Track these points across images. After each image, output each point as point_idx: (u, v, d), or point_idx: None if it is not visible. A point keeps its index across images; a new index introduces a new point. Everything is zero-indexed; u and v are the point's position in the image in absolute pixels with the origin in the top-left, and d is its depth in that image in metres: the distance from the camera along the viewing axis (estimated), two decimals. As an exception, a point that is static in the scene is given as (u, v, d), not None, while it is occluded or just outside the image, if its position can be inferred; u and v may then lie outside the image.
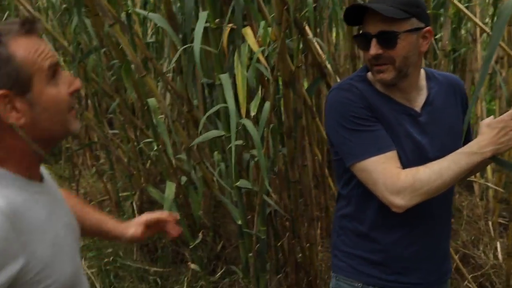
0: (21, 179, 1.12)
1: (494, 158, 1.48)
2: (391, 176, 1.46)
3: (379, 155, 1.48)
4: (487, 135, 1.44)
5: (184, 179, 3.01)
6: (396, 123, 1.55)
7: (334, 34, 3.81)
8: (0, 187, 1.07)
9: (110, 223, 1.53)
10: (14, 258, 1.02)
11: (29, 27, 1.10)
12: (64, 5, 3.43)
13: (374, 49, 1.50)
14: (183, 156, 3.24)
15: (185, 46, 2.04)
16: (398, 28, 1.49)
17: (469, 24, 3.32)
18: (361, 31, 1.55)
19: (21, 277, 1.04)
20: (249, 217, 2.67)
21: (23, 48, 1.08)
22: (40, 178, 1.19)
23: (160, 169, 3.48)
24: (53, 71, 1.11)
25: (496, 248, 3.25)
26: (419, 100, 1.60)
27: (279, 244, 2.93)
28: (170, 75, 3.05)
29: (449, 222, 1.72)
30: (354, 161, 1.52)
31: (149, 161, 3.63)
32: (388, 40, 1.49)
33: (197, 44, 1.77)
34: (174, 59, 1.99)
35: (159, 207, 3.48)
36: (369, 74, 1.61)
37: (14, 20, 1.11)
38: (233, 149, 1.83)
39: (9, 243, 1.01)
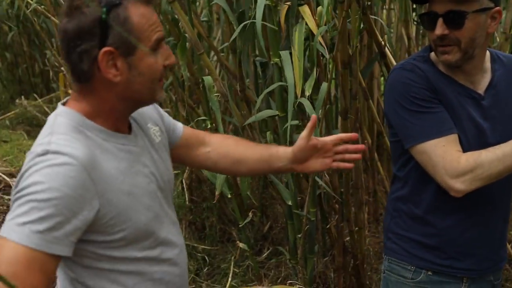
0: (106, 131, 1.22)
1: None
2: (451, 159, 1.43)
3: (440, 138, 1.45)
4: None
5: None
6: (458, 106, 1.51)
7: (384, 15, 3.73)
8: (84, 138, 1.17)
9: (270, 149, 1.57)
10: (90, 204, 1.13)
11: None
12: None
13: (440, 29, 1.45)
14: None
15: (244, 23, 2.01)
16: (467, 8, 1.43)
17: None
18: (427, 10, 1.51)
19: (97, 220, 1.15)
20: (298, 198, 2.67)
21: (139, 15, 1.16)
22: (128, 131, 1.28)
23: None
24: (157, 44, 1.19)
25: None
26: (483, 83, 1.56)
27: (327, 226, 2.92)
28: (223, 54, 3.04)
29: (509, 208, 1.67)
30: (414, 143, 1.49)
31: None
32: (455, 20, 1.44)
33: (258, 20, 1.74)
34: (234, 36, 1.97)
35: (208, 185, 3.51)
36: (432, 55, 1.57)
37: None
38: (288, 128, 1.80)
39: (86, 191, 1.12)
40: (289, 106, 1.82)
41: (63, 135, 1.15)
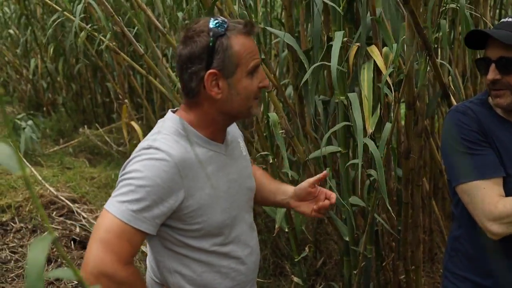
0: (203, 138, 1.45)
1: None
2: (489, 202, 1.48)
3: (482, 180, 1.50)
4: None
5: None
6: (509, 142, 1.55)
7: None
8: (183, 141, 1.40)
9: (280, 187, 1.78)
10: (176, 195, 1.36)
11: (249, 29, 1.40)
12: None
13: (492, 74, 1.52)
14: (287, 170, 3.31)
15: (316, 64, 2.10)
16: None
17: None
18: (483, 56, 1.58)
19: (180, 210, 1.38)
20: (354, 235, 2.68)
21: (240, 45, 1.38)
22: (222, 141, 1.51)
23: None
24: (254, 69, 1.41)
25: None
26: None
27: (383, 264, 2.91)
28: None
29: None
30: (458, 183, 1.56)
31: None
32: (506, 66, 1.50)
33: (334, 62, 1.83)
34: (305, 77, 2.05)
35: (263, 218, 3.56)
36: (490, 98, 1.62)
37: (240, 20, 1.42)
38: (359, 167, 1.85)
39: (174, 184, 1.35)
40: (359, 148, 1.88)
41: (166, 135, 1.39)
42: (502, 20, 1.58)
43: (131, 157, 1.39)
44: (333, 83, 1.90)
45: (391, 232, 2.66)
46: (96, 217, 3.67)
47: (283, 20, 2.96)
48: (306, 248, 2.75)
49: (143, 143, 1.39)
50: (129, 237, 1.30)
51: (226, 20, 1.39)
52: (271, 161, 2.54)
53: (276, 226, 2.62)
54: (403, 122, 2.46)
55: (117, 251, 1.28)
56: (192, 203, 1.39)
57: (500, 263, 1.59)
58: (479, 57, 1.58)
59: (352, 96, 1.97)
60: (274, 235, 2.71)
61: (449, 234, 1.78)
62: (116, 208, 1.31)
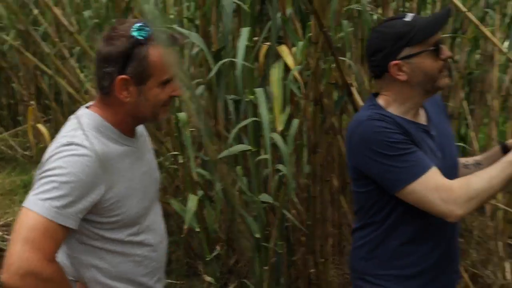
0: (118, 133, 1.49)
1: None
2: (444, 189, 1.52)
3: (426, 173, 1.53)
4: None
5: (200, 193, 3.07)
6: (421, 141, 1.63)
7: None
8: (102, 137, 1.45)
9: None
10: (98, 189, 1.40)
11: (172, 42, 1.44)
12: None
13: (448, 51, 1.61)
14: (201, 170, 3.31)
15: (222, 61, 2.11)
16: None
17: (489, 48, 3.40)
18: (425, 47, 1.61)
19: (100, 203, 1.42)
20: (265, 232, 2.73)
21: (157, 56, 1.42)
22: (133, 135, 1.55)
23: (177, 183, 3.52)
24: (167, 81, 1.46)
25: (504, 268, 3.31)
26: (423, 116, 1.71)
27: (293, 258, 2.98)
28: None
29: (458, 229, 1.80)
30: (403, 186, 1.55)
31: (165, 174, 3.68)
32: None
33: (240, 60, 1.84)
34: (210, 74, 2.07)
35: (176, 220, 3.53)
36: (380, 101, 1.68)
37: (169, 32, 1.50)
38: (269, 162, 1.89)
39: (96, 178, 1.40)
40: (266, 141, 1.91)
41: (86, 131, 1.42)
42: (410, 18, 1.62)
43: (50, 154, 1.40)
44: (237, 81, 1.91)
45: (300, 227, 2.73)
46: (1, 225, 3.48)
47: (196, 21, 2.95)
48: (217, 247, 2.76)
49: (62, 140, 1.42)
50: (53, 234, 1.33)
51: (149, 28, 1.42)
52: (181, 161, 2.53)
53: (185, 227, 2.61)
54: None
55: (42, 249, 1.30)
56: (112, 195, 1.44)
57: (422, 249, 1.67)
58: (438, 44, 1.61)
59: (259, 91, 2.01)
60: (183, 235, 2.70)
61: (357, 240, 1.78)
62: (39, 206, 1.32)
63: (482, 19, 3.42)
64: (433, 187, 1.52)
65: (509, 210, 3.35)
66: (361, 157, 1.62)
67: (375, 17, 2.52)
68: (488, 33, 2.23)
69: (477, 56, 3.65)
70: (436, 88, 1.64)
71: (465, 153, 3.56)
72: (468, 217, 3.76)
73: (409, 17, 1.62)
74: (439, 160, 1.65)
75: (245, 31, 1.95)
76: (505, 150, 1.76)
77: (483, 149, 3.52)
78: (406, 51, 1.59)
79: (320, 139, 2.41)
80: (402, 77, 1.61)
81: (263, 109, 1.95)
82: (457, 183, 1.53)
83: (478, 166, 1.82)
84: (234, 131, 2.10)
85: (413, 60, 1.59)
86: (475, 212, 3.87)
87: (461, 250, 3.51)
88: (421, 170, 1.54)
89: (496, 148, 1.82)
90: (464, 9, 2.15)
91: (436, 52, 1.59)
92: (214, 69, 2.06)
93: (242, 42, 1.89)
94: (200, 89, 2.85)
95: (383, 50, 1.61)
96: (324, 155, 2.50)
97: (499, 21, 3.23)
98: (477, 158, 1.86)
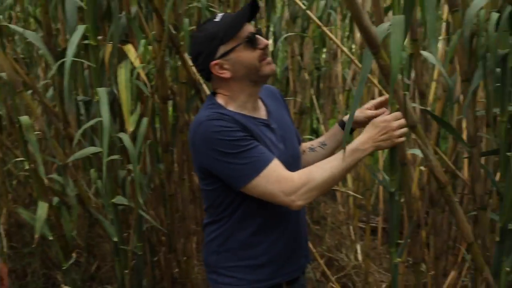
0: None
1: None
2: (285, 181, 1.59)
3: (267, 167, 1.59)
4: (368, 133, 1.63)
5: (56, 199, 2.94)
6: (262, 135, 1.69)
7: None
8: None
9: None
10: None
11: None
12: None
13: (264, 40, 1.67)
14: (55, 176, 3.16)
15: (60, 61, 2.03)
16: None
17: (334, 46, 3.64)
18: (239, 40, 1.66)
19: None
20: (125, 234, 2.68)
21: None
22: None
23: (30, 191, 3.34)
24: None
25: (356, 250, 3.58)
26: (263, 111, 1.78)
27: (155, 259, 2.97)
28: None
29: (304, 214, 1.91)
30: (248, 181, 1.60)
31: (16, 182, 3.48)
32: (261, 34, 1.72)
33: (69, 58, 1.79)
34: (50, 74, 1.99)
35: (29, 230, 3.34)
36: (219, 99, 1.73)
37: None
38: (104, 164, 1.85)
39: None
40: (104, 142, 1.88)
41: None
42: (220, 18, 1.68)
43: None
44: (65, 81, 1.85)
45: (159, 227, 2.71)
46: None
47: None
48: (73, 254, 2.66)
49: None
50: None
51: None
52: (27, 167, 2.39)
53: (36, 236, 2.48)
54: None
55: None
56: None
57: (270, 238, 1.74)
58: (251, 35, 1.66)
59: (101, 91, 1.97)
60: (34, 245, 2.56)
61: (208, 235, 1.82)
62: None
63: (324, 19, 3.67)
64: (275, 180, 1.59)
65: (358, 196, 3.62)
66: (205, 157, 1.65)
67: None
68: (328, 32, 2.38)
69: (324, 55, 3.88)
70: (262, 76, 1.70)
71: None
72: (323, 205, 4.01)
73: (218, 17, 1.68)
74: (281, 151, 1.73)
75: (80, 29, 1.89)
76: (342, 126, 1.91)
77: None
78: (221, 50, 1.65)
79: (173, 137, 2.41)
80: (226, 74, 1.68)
81: (103, 110, 1.91)
82: (297, 174, 1.61)
83: (324, 146, 1.93)
84: (79, 131, 2.04)
85: (230, 56, 1.65)
86: (328, 200, 4.14)
87: (317, 236, 3.75)
88: (263, 164, 1.60)
89: (336, 126, 1.94)
90: (303, 6, 2.27)
91: (250, 43, 1.66)
92: (53, 69, 1.98)
93: (74, 40, 1.83)
94: (50, 91, 2.73)
95: (202, 53, 1.67)
96: (179, 153, 2.51)
97: (339, 21, 3.48)
98: (321, 139, 1.97)
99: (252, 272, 1.77)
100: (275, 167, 1.61)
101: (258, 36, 1.68)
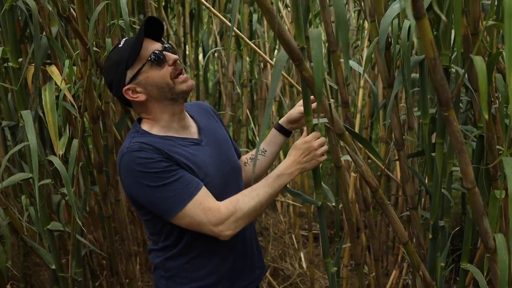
0: None
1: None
2: (212, 211, 1.57)
3: (193, 198, 1.57)
4: (292, 156, 1.64)
5: (-14, 230, 2.82)
6: (192, 157, 1.66)
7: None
8: None
9: None
10: None
11: None
12: None
13: (172, 56, 1.65)
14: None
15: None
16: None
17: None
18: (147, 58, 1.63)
19: None
20: (64, 260, 2.60)
21: None
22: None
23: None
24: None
25: (300, 258, 3.61)
26: (193, 128, 1.76)
27: (97, 284, 2.89)
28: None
29: (254, 228, 1.92)
30: (174, 213, 1.58)
31: None
32: (172, 51, 1.71)
33: None
34: None
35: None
36: (144, 125, 1.70)
37: None
38: (36, 189, 1.81)
39: None
40: (34, 166, 1.83)
41: None
42: (122, 44, 1.66)
43: None
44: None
45: (97, 250, 2.65)
46: None
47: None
48: (8, 286, 2.55)
49: None
50: None
51: None
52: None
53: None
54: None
55: None
56: None
57: (216, 257, 1.73)
58: (155, 53, 1.64)
59: (25, 114, 1.91)
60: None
61: (153, 261, 1.80)
62: None
63: (253, 34, 3.74)
64: (201, 211, 1.58)
65: (297, 204, 3.67)
66: (131, 188, 1.62)
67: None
68: (253, 45, 2.41)
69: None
70: (178, 93, 1.67)
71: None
72: (264, 216, 4.03)
73: (121, 42, 1.66)
74: (217, 167, 1.72)
75: (-3, 52, 1.84)
76: (280, 129, 1.93)
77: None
78: (129, 74, 1.63)
79: (106, 158, 2.37)
80: (141, 97, 1.65)
81: (30, 133, 1.86)
82: (224, 205, 1.60)
83: (264, 153, 1.95)
84: (6, 158, 1.97)
85: (139, 78, 1.63)
86: (269, 210, 4.17)
87: (261, 247, 3.77)
88: (188, 196, 1.57)
89: (273, 130, 1.96)
90: (229, 23, 2.29)
91: (155, 61, 1.63)
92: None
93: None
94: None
95: (113, 81, 1.65)
96: (113, 174, 2.46)
97: (266, 33, 3.54)
98: (261, 147, 1.97)
99: None
100: (201, 197, 1.59)
101: (166, 52, 1.66)
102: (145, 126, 1.69)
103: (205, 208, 1.58)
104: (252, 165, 1.94)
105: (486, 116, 1.10)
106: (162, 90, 1.64)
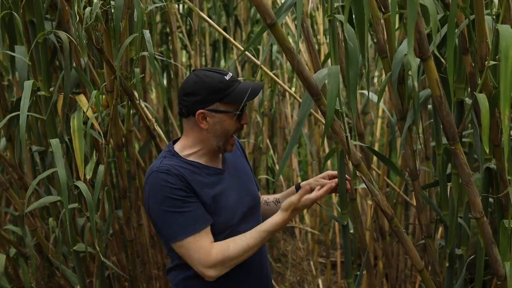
0: None
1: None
2: (204, 252, 1.69)
3: (195, 234, 1.69)
4: (282, 216, 1.72)
5: (13, 251, 2.91)
6: (212, 184, 1.76)
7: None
8: None
9: None
10: None
11: None
12: None
13: (246, 119, 1.77)
14: (10, 226, 3.12)
15: (11, 115, 2.09)
16: None
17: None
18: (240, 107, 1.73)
19: None
20: (87, 281, 2.67)
21: None
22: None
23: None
24: None
25: (318, 285, 3.63)
26: (219, 159, 1.85)
27: (118, 306, 2.95)
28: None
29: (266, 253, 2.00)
30: (175, 240, 1.70)
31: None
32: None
33: (23, 113, 1.86)
34: (0, 125, 2.06)
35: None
36: (178, 147, 1.80)
37: None
38: (67, 212, 1.91)
39: None
40: (63, 191, 1.93)
41: None
42: (232, 75, 1.75)
43: None
44: (22, 135, 1.92)
45: (120, 272, 2.72)
46: None
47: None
48: (31, 306, 2.63)
49: None
50: None
51: None
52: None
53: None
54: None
55: None
56: None
57: (237, 280, 1.80)
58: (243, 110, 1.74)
59: (54, 142, 2.02)
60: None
61: (172, 280, 1.88)
62: None
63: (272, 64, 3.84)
64: (196, 248, 1.69)
65: (315, 232, 3.70)
66: (149, 205, 1.74)
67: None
68: (272, 75, 2.50)
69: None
70: (224, 149, 1.79)
71: (271, 184, 3.89)
72: (282, 242, 4.07)
73: (229, 76, 1.74)
74: (236, 196, 1.81)
75: (27, 84, 1.96)
76: (298, 189, 1.97)
77: (286, 179, 3.90)
78: (216, 106, 1.72)
79: (129, 184, 2.46)
80: (204, 126, 1.74)
81: (58, 159, 1.96)
82: (215, 250, 1.70)
83: (277, 204, 2.03)
84: (35, 181, 2.07)
85: (219, 115, 1.73)
86: (287, 237, 4.21)
87: (279, 274, 3.80)
88: (193, 230, 1.69)
89: (292, 188, 2.04)
90: (251, 56, 2.38)
91: (240, 117, 1.75)
92: (2, 122, 2.04)
93: (26, 94, 1.91)
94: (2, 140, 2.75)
95: (196, 95, 1.72)
96: (135, 199, 2.55)
97: (285, 65, 3.64)
98: (277, 196, 2.07)
99: None
100: (201, 237, 1.70)
101: (246, 113, 1.78)
102: (177, 147, 1.80)
103: (200, 247, 1.69)
104: (263, 207, 2.03)
105: (487, 150, 1.16)
106: (223, 137, 1.76)
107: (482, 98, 1.22)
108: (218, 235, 1.75)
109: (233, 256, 1.70)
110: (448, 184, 1.97)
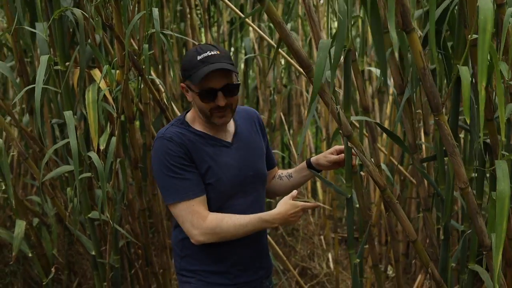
0: None
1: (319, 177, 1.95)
2: (199, 216, 1.80)
3: (189, 200, 1.80)
4: (282, 212, 1.79)
5: (36, 220, 3.07)
6: (215, 156, 1.86)
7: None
8: None
9: None
10: None
11: None
12: None
13: (222, 100, 1.79)
14: (33, 197, 3.29)
15: (28, 87, 2.21)
16: (235, 80, 1.83)
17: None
18: (203, 88, 1.78)
19: None
20: (103, 248, 2.80)
21: None
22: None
23: (9, 213, 3.46)
24: None
25: (328, 259, 3.73)
26: (230, 132, 1.94)
27: (133, 272, 3.08)
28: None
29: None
30: (172, 202, 1.83)
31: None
32: (233, 91, 1.81)
33: (38, 86, 1.97)
34: (17, 98, 2.19)
35: (10, 249, 3.43)
36: (188, 116, 1.90)
37: None
38: (77, 180, 2.02)
39: None
40: (75, 161, 2.04)
41: None
42: (207, 54, 1.77)
43: None
44: (36, 108, 2.03)
45: (134, 240, 2.84)
46: None
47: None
48: (52, 269, 2.78)
49: None
50: None
51: None
52: (3, 187, 2.53)
53: (14, 253, 2.60)
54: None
55: None
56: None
57: (226, 248, 1.89)
58: (206, 91, 1.79)
59: (67, 114, 2.13)
60: (12, 263, 2.68)
61: (173, 240, 2.01)
62: None
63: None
64: (190, 211, 1.81)
65: (327, 207, 3.78)
66: (154, 169, 1.88)
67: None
68: (284, 54, 2.56)
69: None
70: (212, 123, 1.86)
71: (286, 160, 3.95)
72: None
73: (205, 55, 1.78)
74: (237, 170, 1.89)
75: (43, 59, 2.08)
76: (309, 165, 2.07)
77: (300, 155, 3.96)
78: (187, 82, 1.83)
79: (144, 155, 2.57)
80: (188, 98, 1.88)
81: (71, 131, 2.08)
82: (210, 217, 1.81)
83: (290, 178, 2.12)
84: (49, 152, 2.21)
85: (190, 91, 1.84)
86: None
87: (291, 247, 3.90)
88: (186, 196, 1.80)
89: (303, 163, 2.11)
90: (263, 34, 2.45)
91: (202, 96, 1.79)
92: (19, 94, 2.17)
93: (41, 69, 2.02)
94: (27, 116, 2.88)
95: (182, 70, 1.84)
96: (150, 170, 2.65)
97: (301, 42, 3.68)
98: (290, 171, 2.15)
99: (208, 277, 1.92)
100: (198, 202, 1.82)
101: (220, 95, 1.79)
102: (188, 117, 1.91)
103: (195, 210, 1.80)
104: (276, 182, 2.14)
105: (468, 120, 1.21)
106: (200, 112, 1.85)
107: (464, 70, 1.27)
108: (212, 205, 1.85)
109: (225, 229, 1.80)
110: (445, 158, 2.02)
